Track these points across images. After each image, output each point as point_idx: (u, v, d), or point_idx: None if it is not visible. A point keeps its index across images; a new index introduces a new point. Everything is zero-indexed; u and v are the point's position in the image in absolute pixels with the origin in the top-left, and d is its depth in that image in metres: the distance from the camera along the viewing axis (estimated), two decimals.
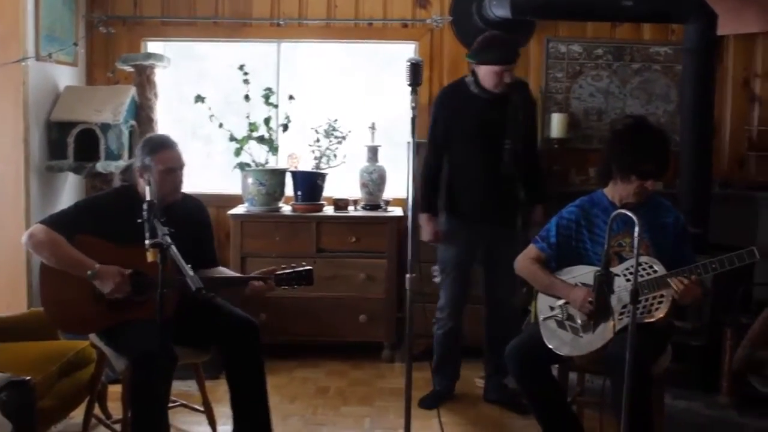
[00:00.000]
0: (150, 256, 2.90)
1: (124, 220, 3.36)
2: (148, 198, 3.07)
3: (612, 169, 3.36)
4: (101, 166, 4.85)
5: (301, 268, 3.53)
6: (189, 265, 2.95)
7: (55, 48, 4.97)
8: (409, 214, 3.10)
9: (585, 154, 5.56)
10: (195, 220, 3.72)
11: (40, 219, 3.53)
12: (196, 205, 3.81)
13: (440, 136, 4.29)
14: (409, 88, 3.11)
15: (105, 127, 4.89)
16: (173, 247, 2.90)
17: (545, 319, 3.43)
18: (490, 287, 4.44)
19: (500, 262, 4.27)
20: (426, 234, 4.35)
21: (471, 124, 4.19)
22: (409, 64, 3.06)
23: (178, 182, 3.58)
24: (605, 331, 3.26)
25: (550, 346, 3.35)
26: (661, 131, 3.45)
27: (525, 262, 3.54)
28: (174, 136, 3.69)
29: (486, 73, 4.16)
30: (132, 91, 5.11)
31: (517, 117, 4.18)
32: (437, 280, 4.48)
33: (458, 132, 4.25)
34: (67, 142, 4.87)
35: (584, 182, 5.45)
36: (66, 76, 5.23)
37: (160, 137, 3.69)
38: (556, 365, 3.54)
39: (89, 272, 3.34)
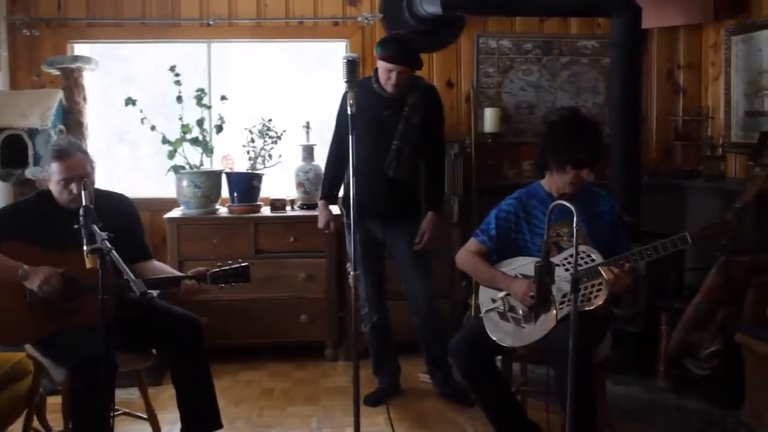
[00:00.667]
0: (89, 263, 2.84)
1: (47, 224, 3.33)
2: (84, 203, 3.01)
3: (548, 161, 3.41)
4: (30, 172, 4.73)
5: (237, 265, 3.50)
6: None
7: None
8: (351, 212, 3.10)
9: (518, 147, 5.63)
10: (122, 216, 3.62)
11: None
12: (119, 200, 3.75)
13: (340, 128, 4.36)
14: (344, 86, 3.11)
15: (33, 133, 4.76)
16: (114, 252, 2.84)
17: (487, 311, 3.47)
18: (403, 284, 4.51)
19: (399, 258, 4.43)
20: (320, 221, 4.52)
21: (364, 119, 4.07)
22: (345, 61, 3.07)
23: (74, 193, 3.42)
24: (547, 321, 3.31)
25: (494, 338, 3.40)
26: (594, 122, 3.53)
27: (466, 255, 3.58)
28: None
29: (379, 69, 4.23)
30: (59, 94, 4.98)
31: (411, 120, 4.22)
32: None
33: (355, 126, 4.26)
34: None
35: (518, 175, 5.54)
36: None
37: (60, 145, 3.55)
38: (500, 357, 3.59)
39: (20, 272, 3.26)
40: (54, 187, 3.44)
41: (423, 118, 4.26)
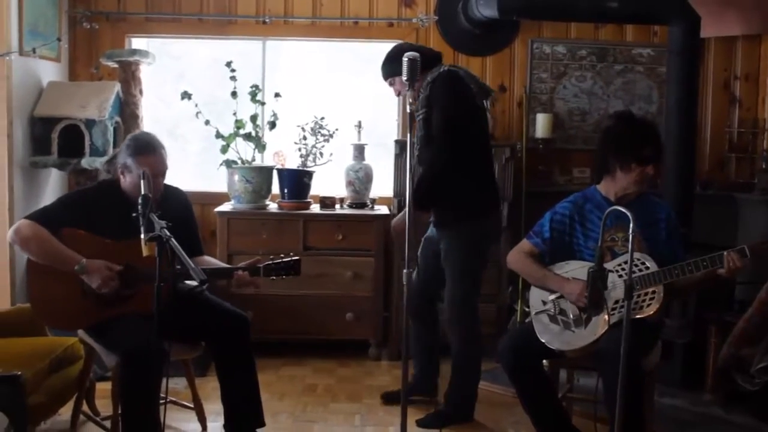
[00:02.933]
0: (146, 250, 2.89)
1: (108, 214, 3.38)
2: (143, 192, 3.05)
3: (609, 164, 3.38)
4: (86, 162, 4.81)
5: (289, 258, 3.54)
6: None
7: (39, 43, 4.91)
8: (407, 210, 3.10)
9: (569, 153, 5.61)
10: (180, 210, 3.68)
11: (24, 215, 3.51)
12: (177, 194, 3.79)
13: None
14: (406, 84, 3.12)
15: (90, 123, 4.85)
16: (173, 240, 2.88)
17: (537, 313, 3.45)
18: None
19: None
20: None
21: None
22: (406, 59, 3.07)
23: (157, 188, 3.50)
24: (597, 326, 3.29)
25: (543, 340, 3.38)
26: (650, 120, 3.54)
27: (518, 256, 3.56)
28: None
29: None
30: (116, 87, 5.06)
31: (420, 121, 4.04)
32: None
33: None
34: (52, 137, 4.82)
35: (568, 182, 5.52)
36: (49, 71, 5.17)
37: (146, 138, 3.62)
38: (546, 362, 3.58)
39: (77, 266, 3.31)
40: (135, 180, 3.42)
41: (426, 114, 3.99)
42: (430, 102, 3.95)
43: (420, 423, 4.03)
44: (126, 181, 3.52)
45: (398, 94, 4.28)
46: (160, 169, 3.54)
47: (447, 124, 3.89)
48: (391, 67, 4.08)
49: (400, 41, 5.51)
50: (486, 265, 4.22)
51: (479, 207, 4.03)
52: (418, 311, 4.22)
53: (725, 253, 3.12)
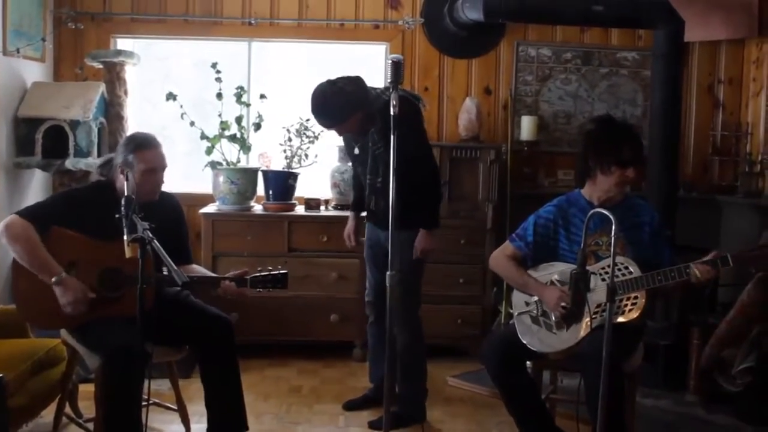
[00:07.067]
0: (129, 252, 2.88)
1: (101, 214, 3.32)
2: (126, 193, 3.05)
3: (590, 167, 3.39)
4: (70, 163, 4.79)
5: (277, 272, 3.53)
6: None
7: (23, 43, 4.90)
8: (390, 211, 3.10)
9: (554, 156, 5.64)
10: (172, 217, 3.69)
11: (9, 214, 3.47)
12: (171, 201, 3.78)
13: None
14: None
15: (74, 124, 4.83)
16: (155, 242, 2.88)
17: (520, 314, 3.46)
18: None
19: None
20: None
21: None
22: (390, 62, 3.06)
23: (158, 183, 3.56)
24: (579, 329, 3.30)
25: (524, 341, 3.39)
26: (630, 123, 3.60)
27: (501, 258, 3.57)
28: None
29: None
30: (101, 87, 5.05)
31: (375, 151, 3.99)
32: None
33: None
34: (36, 138, 4.80)
35: (553, 184, 5.54)
36: (33, 71, 5.15)
37: (145, 136, 3.64)
38: (530, 363, 3.59)
39: (54, 278, 3.29)
40: (137, 176, 3.41)
41: (386, 143, 3.73)
42: (386, 134, 3.68)
43: (372, 425, 4.06)
44: (128, 180, 3.44)
45: (341, 135, 4.20)
46: (161, 163, 3.55)
47: (424, 149, 4.03)
48: (329, 118, 3.96)
49: (385, 43, 5.56)
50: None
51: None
52: (380, 313, 4.18)
53: (692, 264, 3.15)
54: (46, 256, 3.33)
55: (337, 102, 3.87)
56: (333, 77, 3.94)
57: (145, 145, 3.52)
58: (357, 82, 3.95)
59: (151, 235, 2.89)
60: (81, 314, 3.33)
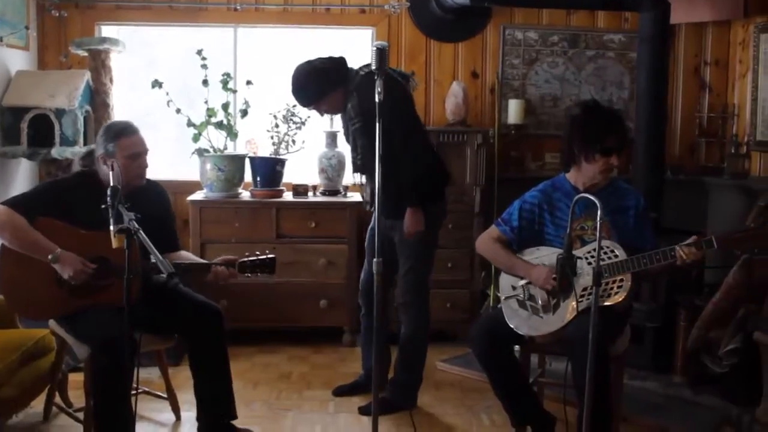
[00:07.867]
0: (115, 242, 2.87)
1: (86, 205, 3.33)
2: (111, 183, 3.04)
3: (575, 153, 3.40)
4: (56, 152, 4.76)
5: (265, 256, 3.54)
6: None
7: (6, 31, 4.86)
8: (377, 197, 3.09)
9: (541, 139, 5.64)
10: (158, 205, 3.69)
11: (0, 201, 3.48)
12: (157, 189, 3.78)
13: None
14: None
15: (60, 113, 4.80)
16: (141, 232, 2.87)
17: (506, 298, 3.48)
18: None
19: None
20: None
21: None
22: (375, 49, 3.05)
23: (144, 167, 3.58)
24: (565, 313, 3.32)
25: (511, 325, 3.41)
26: (615, 109, 3.59)
27: (487, 241, 3.58)
28: None
29: None
30: (86, 75, 5.02)
31: (355, 129, 3.99)
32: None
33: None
34: (21, 127, 4.76)
35: (540, 168, 5.54)
36: (17, 60, 5.11)
37: (121, 123, 3.66)
38: (518, 347, 3.61)
39: (50, 256, 3.30)
40: (121, 163, 3.39)
41: (363, 120, 3.90)
42: (363, 110, 3.87)
43: (362, 410, 4.08)
44: (113, 169, 3.41)
45: (322, 115, 4.21)
46: (142, 147, 3.56)
47: (408, 125, 3.92)
48: (307, 96, 4.00)
49: (371, 28, 5.54)
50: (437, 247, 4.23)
51: (433, 192, 4.05)
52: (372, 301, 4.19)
53: (677, 247, 3.15)
54: (38, 237, 3.34)
55: (314, 80, 3.94)
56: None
57: (123, 133, 3.52)
58: (336, 60, 4.00)
59: (137, 225, 2.88)
60: (85, 283, 3.33)
